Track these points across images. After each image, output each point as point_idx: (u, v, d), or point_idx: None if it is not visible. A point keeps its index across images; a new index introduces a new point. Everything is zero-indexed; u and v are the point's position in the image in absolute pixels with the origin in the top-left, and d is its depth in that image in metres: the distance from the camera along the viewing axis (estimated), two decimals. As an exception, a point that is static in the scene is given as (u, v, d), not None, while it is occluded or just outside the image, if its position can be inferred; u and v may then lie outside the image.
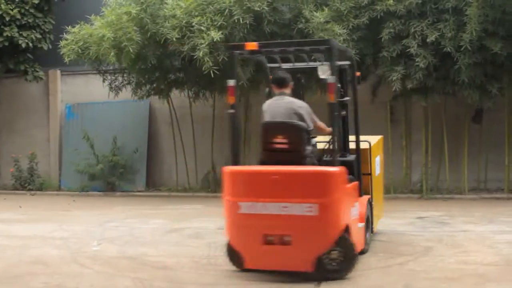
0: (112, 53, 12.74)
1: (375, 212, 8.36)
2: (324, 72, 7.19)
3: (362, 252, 7.42)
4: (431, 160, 13.84)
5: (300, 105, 7.15)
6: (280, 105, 7.09)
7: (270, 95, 7.54)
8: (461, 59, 11.96)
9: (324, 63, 7.50)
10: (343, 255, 6.48)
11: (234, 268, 6.98)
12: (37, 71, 16.45)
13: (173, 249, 8.22)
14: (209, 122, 15.03)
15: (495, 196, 13.19)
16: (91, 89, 16.72)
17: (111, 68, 15.00)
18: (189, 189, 15.27)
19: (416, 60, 12.10)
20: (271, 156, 6.90)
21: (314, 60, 8.08)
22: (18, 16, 15.51)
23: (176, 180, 15.67)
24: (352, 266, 6.56)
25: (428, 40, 12.00)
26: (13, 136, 17.50)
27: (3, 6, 15.26)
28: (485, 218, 10.39)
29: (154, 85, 14.73)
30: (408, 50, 12.15)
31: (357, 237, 7.07)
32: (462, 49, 11.82)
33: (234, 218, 6.57)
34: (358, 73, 8.10)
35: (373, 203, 8.21)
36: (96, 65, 14.70)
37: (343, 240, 6.47)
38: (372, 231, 8.25)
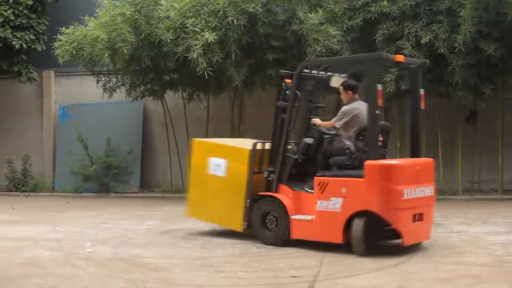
0: (106, 54, 12.73)
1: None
2: (337, 82, 8.48)
3: None
4: (425, 161, 13.85)
5: None
6: (364, 109, 8.09)
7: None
8: (455, 60, 11.99)
9: (336, 74, 8.71)
10: None
11: (227, 269, 7.00)
12: (31, 72, 16.42)
13: (167, 250, 8.20)
14: (203, 123, 15.03)
15: (489, 197, 13.23)
16: (85, 90, 16.72)
17: (105, 69, 15.00)
18: (183, 190, 15.23)
19: (410, 61, 12.11)
20: None
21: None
22: (12, 17, 15.49)
23: (170, 181, 15.66)
24: None
25: (422, 41, 12.02)
26: (6, 137, 17.46)
27: (-4, 7, 15.25)
28: (478, 219, 10.41)
29: (148, 86, 14.72)
30: (402, 51, 12.15)
31: None
32: (456, 50, 11.86)
33: (399, 203, 7.55)
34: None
35: None
36: (90, 66, 14.71)
37: None
38: None
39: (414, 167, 7.85)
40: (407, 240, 7.63)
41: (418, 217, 7.75)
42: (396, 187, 7.46)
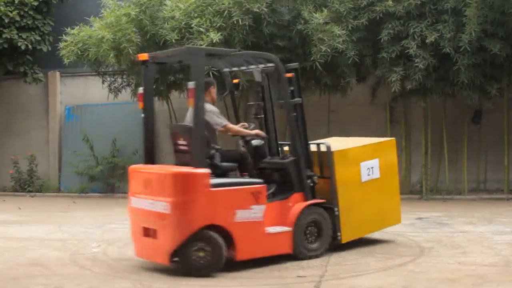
0: (111, 55, 12.75)
1: (352, 220, 7.92)
2: (258, 75, 7.91)
3: (297, 257, 7.42)
4: (430, 161, 13.84)
5: (206, 109, 7.22)
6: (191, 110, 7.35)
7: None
8: (460, 60, 11.96)
9: (259, 66, 7.97)
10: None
11: (233, 269, 7.00)
12: (36, 73, 16.44)
13: (173, 251, 8.20)
14: (209, 124, 15.02)
15: (495, 197, 13.20)
16: (91, 90, 16.73)
17: (111, 69, 15.00)
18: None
19: (416, 61, 12.10)
20: (177, 157, 7.61)
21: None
22: (18, 18, 15.51)
23: (175, 181, 15.63)
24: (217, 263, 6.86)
25: (427, 41, 12.00)
26: (12, 137, 17.50)
27: (2, 8, 15.26)
28: (484, 218, 10.39)
29: (154, 86, 14.70)
30: (407, 51, 12.15)
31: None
32: (461, 50, 11.83)
33: None
34: (289, 74, 7.83)
35: (336, 209, 7.78)
36: (96, 67, 14.70)
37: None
38: (335, 239, 7.80)
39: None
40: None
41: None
42: None
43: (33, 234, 9.79)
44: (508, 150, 13.53)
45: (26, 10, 15.70)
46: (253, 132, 7.87)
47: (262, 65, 7.98)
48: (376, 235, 8.87)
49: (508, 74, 12.83)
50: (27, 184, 16.55)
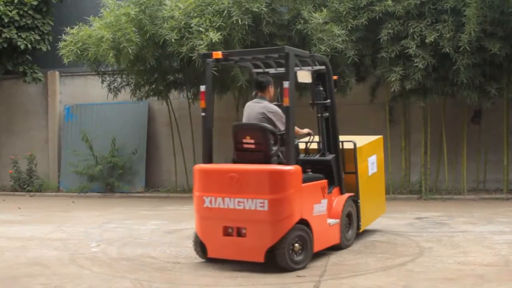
0: (111, 54, 12.75)
1: (366, 210, 8.56)
2: (303, 76, 7.88)
3: (340, 247, 7.88)
4: (430, 161, 13.84)
5: (271, 109, 7.52)
6: (254, 108, 7.60)
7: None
8: (459, 59, 11.97)
9: (303, 68, 8.07)
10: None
11: (233, 269, 7.01)
12: (36, 73, 16.45)
13: (172, 250, 8.22)
14: (208, 123, 15.02)
15: (494, 197, 13.20)
16: (90, 90, 16.74)
17: (110, 69, 15.01)
18: (188, 190, 15.25)
19: (415, 60, 12.11)
20: (241, 155, 7.49)
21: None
22: (17, 18, 15.53)
23: (175, 181, 15.67)
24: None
25: (426, 40, 12.00)
26: (12, 137, 17.51)
27: (1, 8, 15.29)
28: (484, 218, 10.39)
29: (153, 86, 14.73)
30: (407, 50, 12.16)
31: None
32: (460, 49, 11.84)
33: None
34: (335, 77, 8.31)
35: (359, 201, 8.40)
36: (95, 66, 14.71)
37: None
38: (358, 229, 8.43)
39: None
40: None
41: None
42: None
43: (32, 233, 9.79)
44: (508, 150, 13.53)
45: (26, 9, 15.73)
46: (306, 130, 8.07)
47: (310, 67, 8.15)
48: (376, 235, 8.89)
49: (508, 74, 12.83)
50: (26, 184, 16.56)
